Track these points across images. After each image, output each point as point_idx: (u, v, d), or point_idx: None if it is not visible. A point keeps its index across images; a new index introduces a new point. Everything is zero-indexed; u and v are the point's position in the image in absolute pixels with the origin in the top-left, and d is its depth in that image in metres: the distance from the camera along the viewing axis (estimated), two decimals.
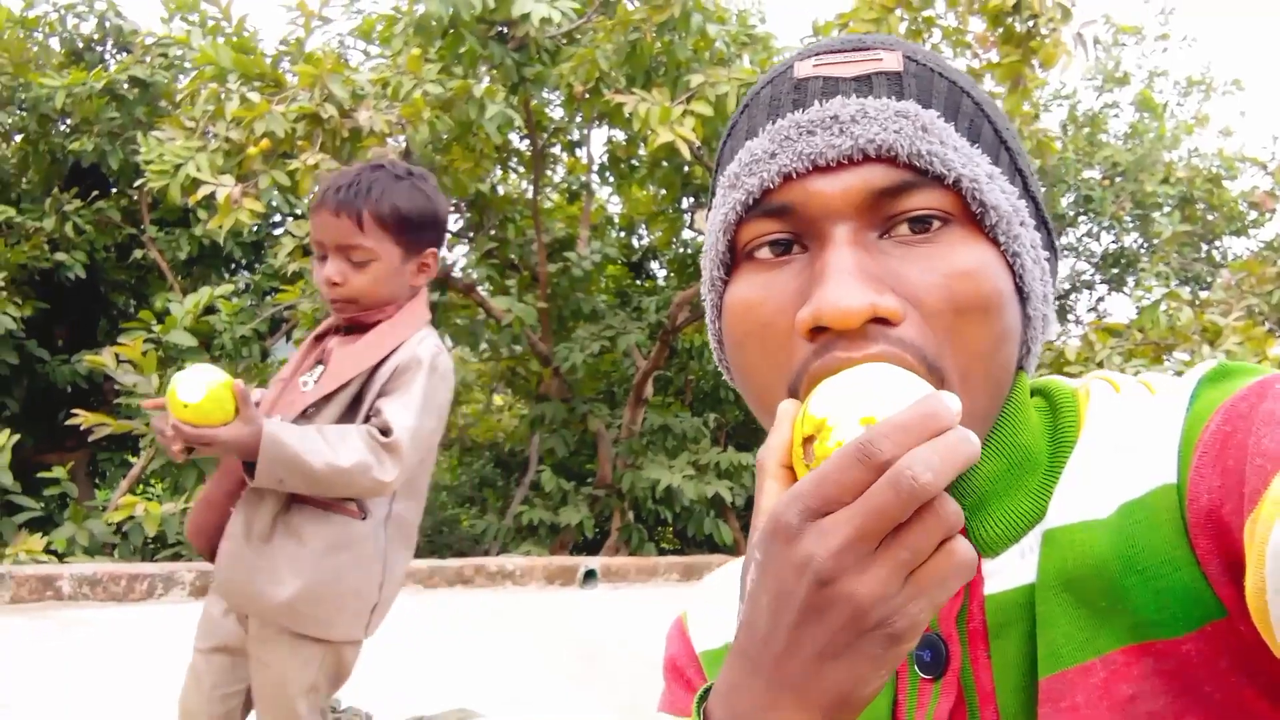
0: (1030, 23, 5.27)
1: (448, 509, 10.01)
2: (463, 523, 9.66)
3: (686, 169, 7.63)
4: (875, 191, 0.63)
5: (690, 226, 8.98)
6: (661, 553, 8.59)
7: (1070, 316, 12.47)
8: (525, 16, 5.74)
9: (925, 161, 0.63)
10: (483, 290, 8.43)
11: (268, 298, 7.82)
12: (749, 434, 9.26)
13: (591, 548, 8.28)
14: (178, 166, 5.33)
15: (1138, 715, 0.58)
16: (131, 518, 5.54)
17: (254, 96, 5.44)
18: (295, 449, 1.81)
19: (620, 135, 8.14)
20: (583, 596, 6.23)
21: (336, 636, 1.98)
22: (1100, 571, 0.60)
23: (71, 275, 7.70)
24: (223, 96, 5.51)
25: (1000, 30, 5.45)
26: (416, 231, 2.02)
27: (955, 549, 0.52)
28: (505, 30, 6.45)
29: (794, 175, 0.64)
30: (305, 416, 1.94)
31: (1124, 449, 0.64)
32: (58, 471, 6.35)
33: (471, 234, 8.95)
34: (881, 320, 0.61)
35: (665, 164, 7.63)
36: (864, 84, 0.66)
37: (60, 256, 7.64)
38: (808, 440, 0.57)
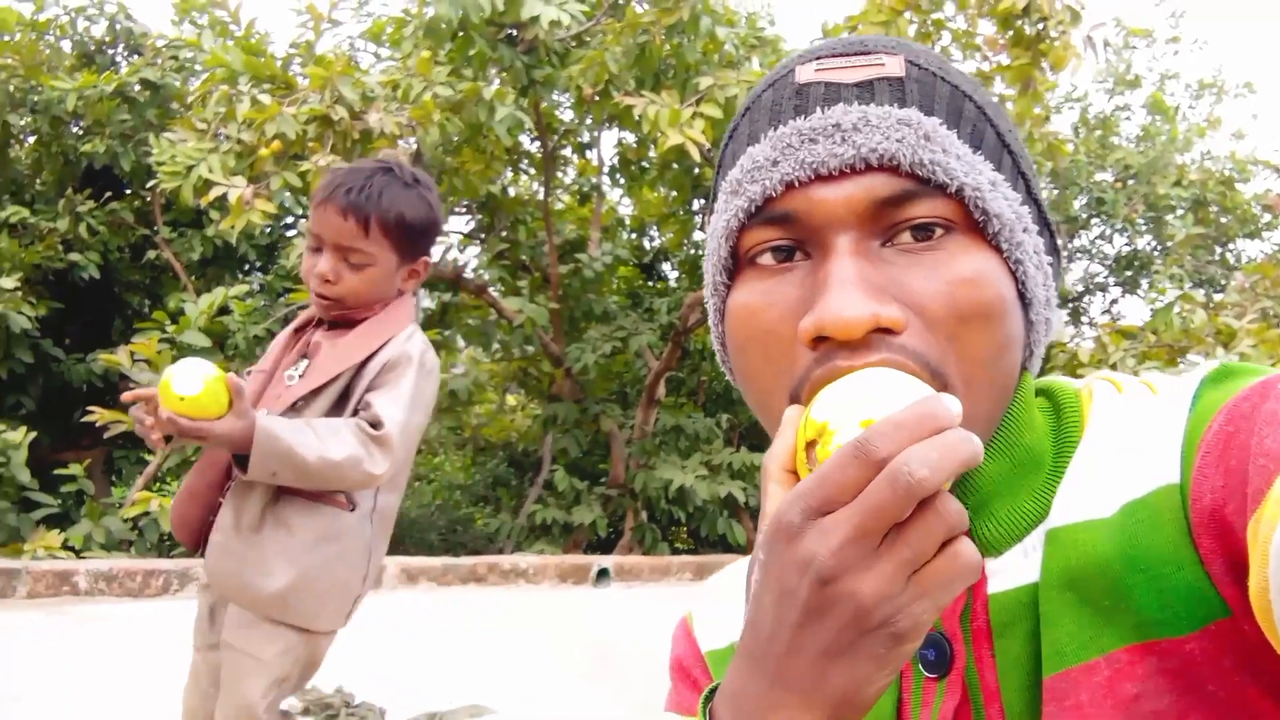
0: (1040, 25, 5.27)
1: (462, 508, 10.03)
2: (477, 521, 9.67)
3: (696, 171, 7.63)
4: (877, 201, 0.63)
5: (701, 228, 8.98)
6: (675, 552, 8.59)
7: (1084, 319, 12.42)
8: (534, 19, 5.76)
9: (927, 171, 0.63)
10: (494, 291, 8.44)
11: (281, 298, 7.85)
12: (761, 434, 9.24)
13: (605, 547, 8.28)
14: (190, 168, 5.36)
15: (1142, 714, 0.58)
16: (147, 514, 5.57)
17: (265, 98, 5.47)
18: (288, 442, 1.81)
19: (630, 137, 8.14)
20: (596, 595, 6.24)
21: (320, 627, 1.98)
22: (1104, 571, 0.61)
23: (85, 275, 7.74)
24: (234, 98, 5.53)
25: (1010, 33, 5.44)
26: (416, 240, 2.03)
27: (960, 550, 0.52)
28: (515, 33, 6.47)
29: (796, 184, 0.65)
30: (294, 410, 1.94)
31: (1127, 449, 0.64)
32: (74, 469, 6.39)
33: (483, 235, 8.96)
34: (884, 329, 0.61)
35: (675, 166, 7.63)
36: (866, 90, 0.66)
37: (74, 257, 7.68)
38: (810, 444, 0.58)
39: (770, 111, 0.68)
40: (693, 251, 9.48)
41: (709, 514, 7.93)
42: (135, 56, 8.13)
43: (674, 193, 8.68)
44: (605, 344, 7.93)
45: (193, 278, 8.06)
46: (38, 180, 8.44)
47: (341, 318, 2.01)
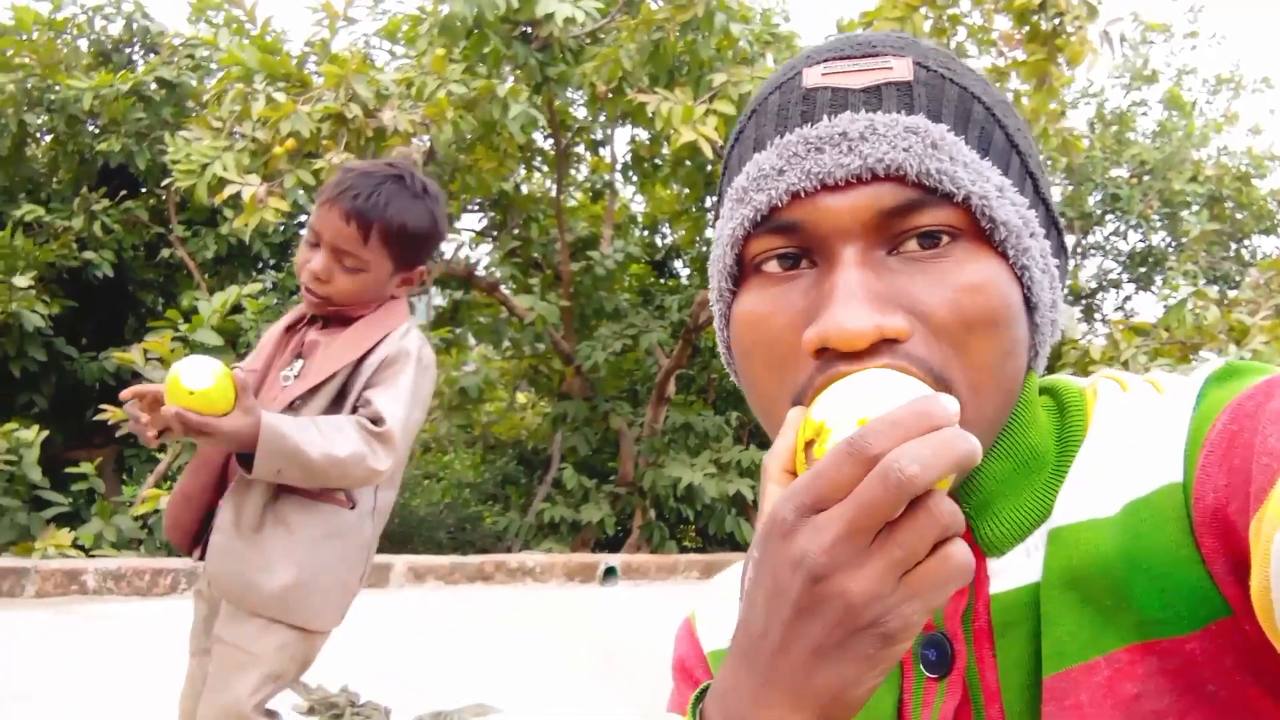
0: (1056, 20, 5.25)
1: (470, 506, 10.06)
2: (485, 520, 9.70)
3: (709, 168, 7.63)
4: (884, 211, 0.63)
5: (713, 225, 8.99)
6: (683, 551, 8.59)
7: (1097, 315, 12.39)
8: (549, 16, 5.76)
9: (934, 180, 0.62)
10: (506, 289, 8.47)
11: (294, 296, 7.88)
12: None
13: (613, 545, 8.30)
14: (204, 166, 5.39)
15: (1142, 714, 0.58)
16: (156, 512, 5.60)
17: (280, 97, 5.49)
18: (294, 439, 1.81)
19: (643, 134, 8.15)
20: (603, 593, 6.25)
21: (320, 626, 1.98)
22: (1105, 570, 0.61)
23: (100, 274, 7.78)
24: (249, 97, 5.56)
25: (1026, 28, 5.42)
26: (415, 251, 2.03)
27: (951, 552, 0.52)
28: (529, 30, 6.48)
29: (802, 194, 0.64)
30: (291, 409, 1.94)
31: (1130, 448, 0.64)
32: (85, 468, 6.42)
33: (495, 233, 8.98)
34: (889, 340, 0.61)
35: (688, 163, 7.64)
36: (873, 96, 0.65)
37: (88, 255, 7.73)
38: (809, 444, 0.58)
39: (777, 117, 0.68)
40: (705, 249, 9.49)
41: (717, 512, 7.94)
42: (152, 55, 8.17)
43: (686, 190, 8.69)
44: (616, 341, 7.94)
45: (206, 276, 8.10)
46: (53, 179, 8.50)
47: (335, 314, 2.01)
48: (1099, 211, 11.81)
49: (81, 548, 5.91)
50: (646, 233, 10.16)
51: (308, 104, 5.44)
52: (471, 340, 9.18)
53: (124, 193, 7.98)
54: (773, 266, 0.67)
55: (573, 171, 9.19)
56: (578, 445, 8.29)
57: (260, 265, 8.93)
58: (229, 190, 5.24)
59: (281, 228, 8.14)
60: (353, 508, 2.00)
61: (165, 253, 8.23)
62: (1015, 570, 0.65)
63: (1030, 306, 0.67)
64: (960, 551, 0.52)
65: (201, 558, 2.01)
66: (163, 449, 6.88)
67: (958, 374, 0.62)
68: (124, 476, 8.49)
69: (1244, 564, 0.56)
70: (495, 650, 4.60)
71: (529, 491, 9.53)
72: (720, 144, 5.52)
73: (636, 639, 4.82)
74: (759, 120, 0.70)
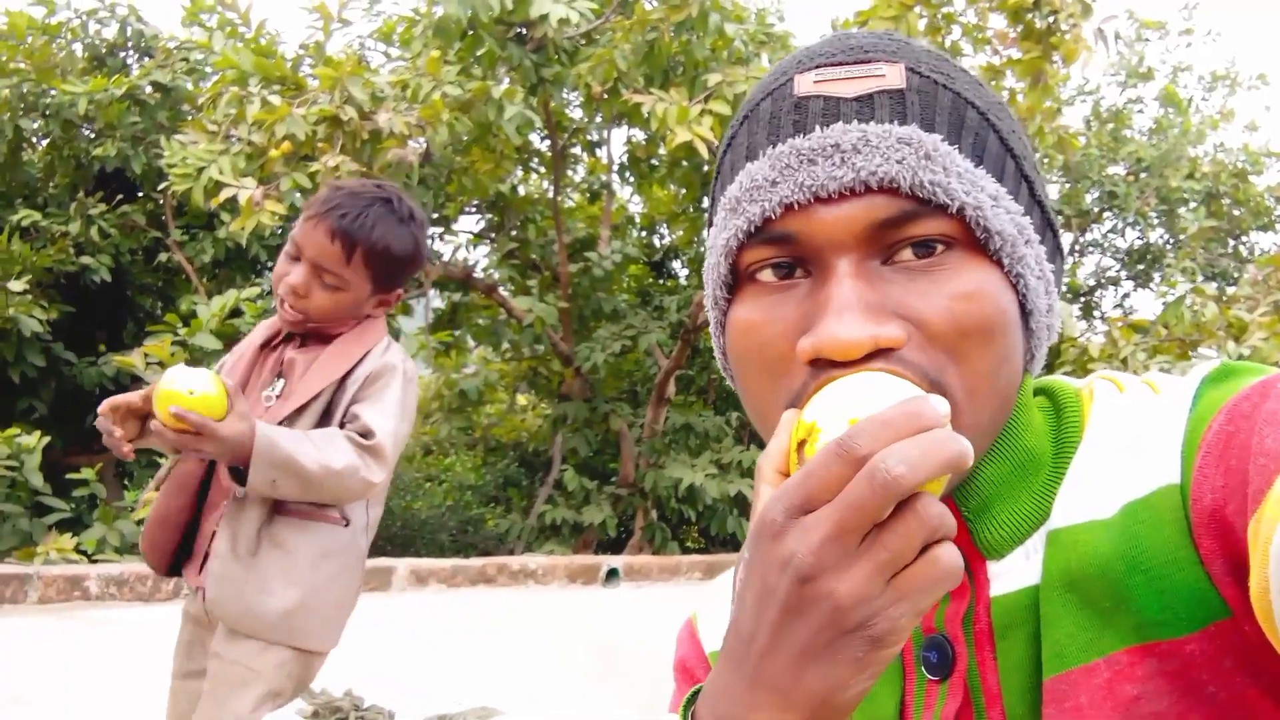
0: (1050, 19, 5.25)
1: (472, 508, 10.05)
2: (488, 522, 9.70)
3: (706, 168, 7.63)
4: (877, 222, 0.63)
5: (710, 226, 8.99)
6: (685, 551, 8.59)
7: (1095, 313, 12.39)
8: (543, 17, 5.76)
9: (928, 192, 0.62)
10: (504, 291, 8.46)
11: None
12: None
13: (615, 547, 8.30)
14: (200, 170, 5.39)
15: (1141, 715, 0.58)
16: None
17: (275, 100, 5.49)
18: (288, 449, 1.79)
19: (640, 135, 8.15)
20: (605, 595, 6.25)
21: (320, 647, 1.97)
22: (1104, 572, 0.61)
23: (97, 278, 7.78)
24: (244, 100, 5.55)
25: (1020, 26, 5.42)
26: (396, 275, 2.02)
27: (939, 555, 0.51)
28: (524, 31, 6.48)
29: (795, 206, 0.64)
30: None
31: (1127, 449, 0.64)
32: (86, 473, 6.41)
33: (493, 235, 8.99)
34: (883, 349, 0.61)
35: (685, 163, 7.63)
36: (865, 105, 0.65)
37: (86, 260, 7.72)
38: (801, 444, 0.58)
39: (769, 125, 0.68)
40: (702, 249, 9.48)
41: (719, 512, 7.94)
42: (146, 59, 8.17)
43: (684, 190, 8.69)
44: (615, 343, 7.94)
45: (204, 280, 8.10)
46: (50, 184, 8.49)
47: (315, 331, 2.00)
48: (1096, 209, 11.82)
49: (84, 553, 5.91)
50: (644, 233, 10.17)
51: (303, 107, 5.43)
52: (470, 342, 9.18)
53: (120, 197, 7.97)
54: (767, 275, 0.67)
55: (570, 173, 9.19)
56: (578, 447, 8.29)
57: (258, 268, 8.92)
58: (225, 194, 5.24)
59: (279, 230, 8.13)
60: (346, 525, 1.99)
61: (163, 257, 8.23)
62: (1015, 573, 0.66)
63: (1025, 312, 0.67)
64: (948, 554, 0.51)
65: (175, 575, 2.00)
66: (164, 455, 6.86)
67: (953, 380, 0.62)
68: (125, 482, 8.48)
69: (1242, 565, 0.56)
70: (498, 653, 4.60)
71: (530, 493, 9.54)
72: (716, 144, 5.52)
73: (639, 641, 4.82)
74: (751, 127, 0.70)
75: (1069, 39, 5.29)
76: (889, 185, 0.62)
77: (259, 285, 7.60)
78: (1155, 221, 11.90)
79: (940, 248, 0.64)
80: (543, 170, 8.93)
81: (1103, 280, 12.55)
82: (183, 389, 1.73)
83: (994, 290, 0.64)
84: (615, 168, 8.80)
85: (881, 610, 0.51)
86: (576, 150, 9.04)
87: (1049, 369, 6.19)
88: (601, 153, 9.03)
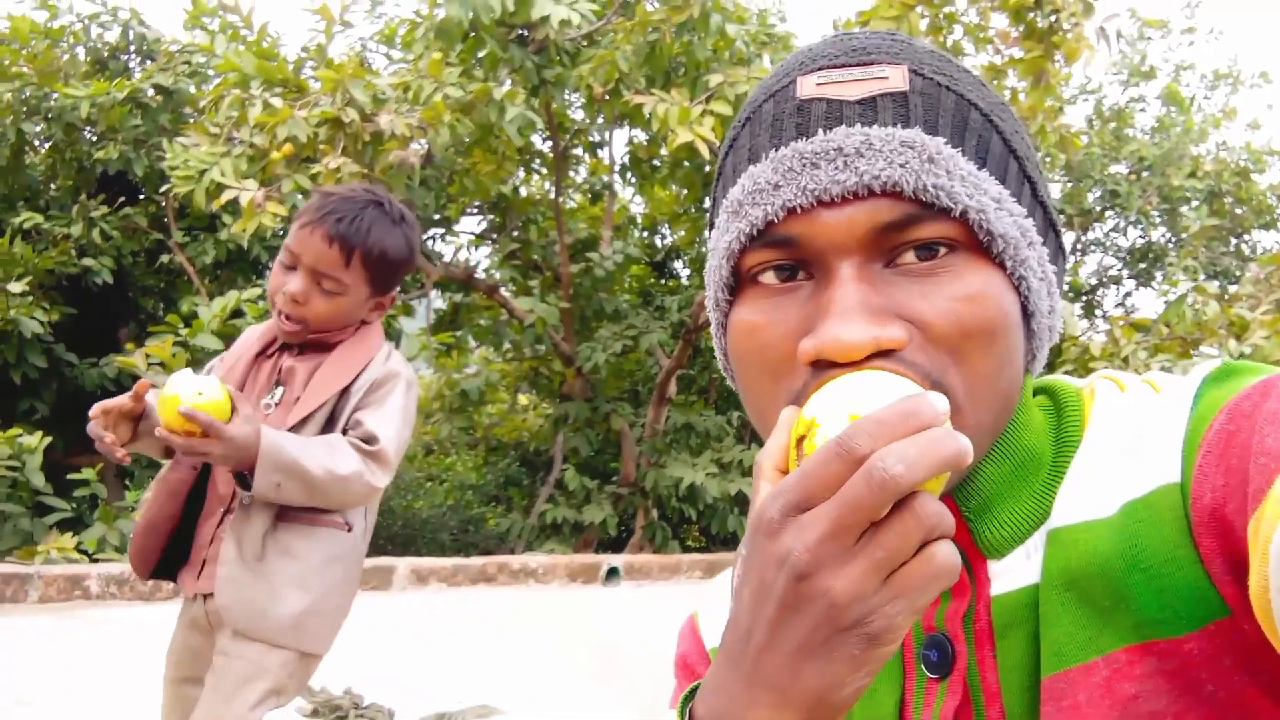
0: (1052, 17, 5.24)
1: (474, 508, 10.06)
2: (489, 521, 9.71)
3: (707, 169, 7.63)
4: (880, 226, 0.63)
5: (712, 226, 8.99)
6: (686, 550, 8.60)
7: (1098, 312, 12.39)
8: (544, 19, 5.76)
9: (931, 196, 0.62)
10: (506, 291, 8.47)
11: None
12: None
13: (616, 546, 8.30)
14: (202, 172, 5.39)
15: (1140, 714, 0.58)
16: None
17: (277, 102, 5.49)
18: (294, 453, 1.80)
19: (641, 136, 8.15)
20: (606, 594, 6.25)
21: (321, 650, 1.99)
22: (1104, 570, 0.61)
23: (99, 280, 7.78)
24: (246, 102, 5.55)
25: (1022, 26, 5.42)
26: (392, 277, 2.03)
27: (935, 553, 0.51)
28: (525, 33, 6.47)
29: (798, 209, 0.64)
30: None
31: (1128, 448, 0.64)
32: (87, 473, 6.42)
33: (494, 235, 8.99)
34: (884, 350, 0.61)
35: (686, 164, 7.63)
36: (868, 108, 0.65)
37: (88, 262, 7.73)
38: (800, 440, 0.58)
39: (771, 128, 0.68)
40: (704, 249, 9.50)
41: (720, 511, 7.94)
42: (148, 62, 8.18)
43: (685, 191, 8.68)
44: (616, 342, 7.95)
45: (206, 281, 8.10)
46: (51, 186, 8.50)
47: (316, 340, 2.00)
48: (1098, 208, 11.81)
49: (85, 552, 5.91)
50: (646, 234, 10.17)
51: (305, 109, 5.44)
52: (472, 342, 9.18)
53: (122, 199, 7.98)
54: (769, 278, 0.67)
55: (571, 173, 9.19)
56: (579, 446, 8.29)
57: (259, 270, 8.93)
58: (227, 196, 5.24)
59: (280, 232, 8.14)
60: (349, 530, 2.00)
61: (165, 258, 8.23)
62: (1016, 572, 0.66)
63: (1027, 314, 0.68)
64: (944, 552, 0.51)
65: (159, 578, 2.00)
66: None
67: (955, 382, 0.62)
68: (126, 482, 8.48)
69: (1242, 564, 0.56)
70: (498, 652, 4.60)
71: (531, 493, 9.54)
72: (717, 145, 5.52)
73: (639, 640, 4.82)
74: (753, 129, 0.70)
75: (1071, 38, 5.29)
76: (892, 189, 0.62)
77: (260, 286, 7.61)
78: (1157, 220, 11.90)
79: (943, 250, 0.64)
80: (544, 171, 8.93)
81: (1104, 279, 12.54)
82: (190, 393, 1.73)
83: (996, 292, 0.64)
84: (617, 168, 8.80)
85: (878, 608, 0.51)
86: (578, 151, 9.04)
87: (1051, 368, 6.18)
88: (603, 153, 9.04)
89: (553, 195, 8.35)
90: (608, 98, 6.47)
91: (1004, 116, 0.69)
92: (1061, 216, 10.92)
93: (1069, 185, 11.43)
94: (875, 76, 0.66)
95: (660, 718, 0.67)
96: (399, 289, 2.13)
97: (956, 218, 0.63)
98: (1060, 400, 0.72)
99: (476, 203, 8.68)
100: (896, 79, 0.66)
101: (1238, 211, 11.43)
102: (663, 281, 10.18)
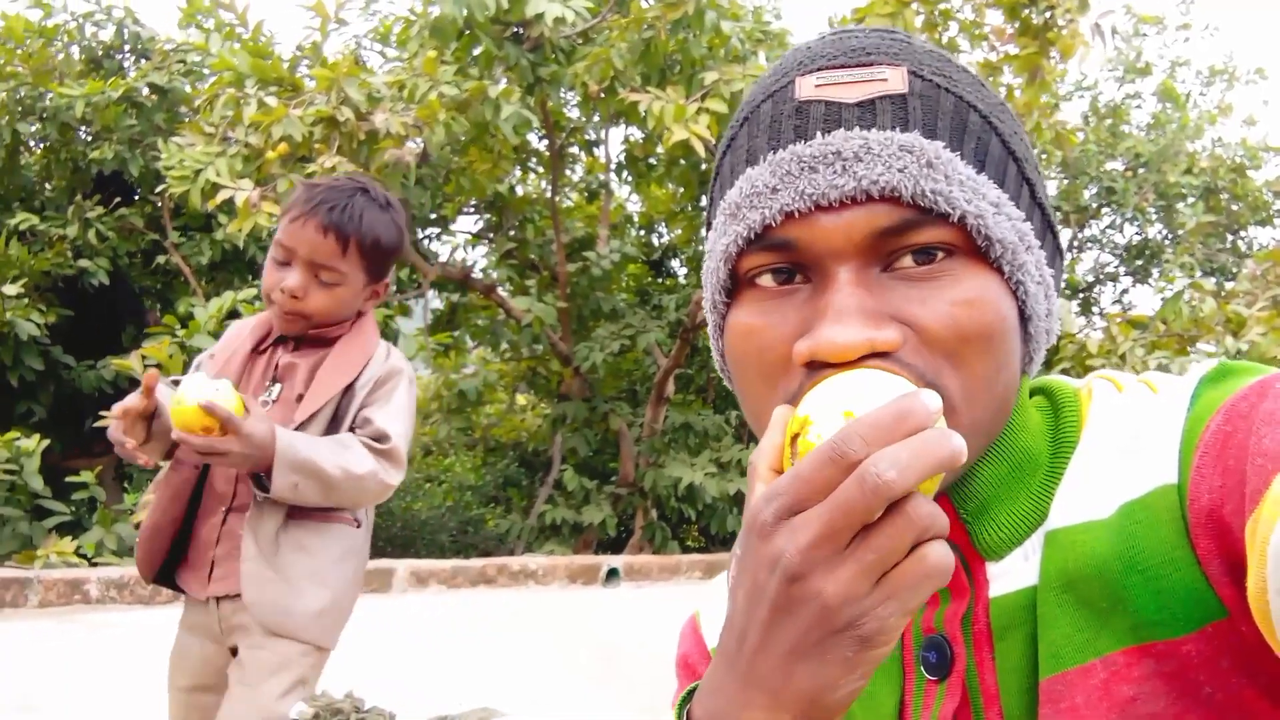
0: (1047, 14, 5.25)
1: (472, 509, 10.06)
2: (488, 522, 9.71)
3: (704, 167, 7.63)
4: (878, 231, 0.63)
5: (708, 226, 8.98)
6: (686, 550, 8.60)
7: (1094, 309, 12.39)
8: (539, 17, 5.76)
9: (929, 201, 0.62)
10: (503, 291, 8.46)
11: None
12: None
13: (615, 546, 8.30)
14: (198, 172, 5.38)
15: (1138, 716, 0.58)
16: None
17: (271, 101, 5.48)
18: (308, 453, 1.80)
19: (637, 134, 8.14)
20: (606, 595, 6.25)
21: (333, 644, 1.99)
22: (1101, 572, 0.61)
23: (95, 282, 7.77)
24: (241, 101, 5.55)
25: (1017, 23, 5.42)
26: (385, 263, 2.03)
27: (928, 554, 0.51)
28: (520, 31, 6.47)
29: (796, 214, 0.64)
30: None
31: (1125, 449, 0.64)
32: (86, 476, 6.42)
33: (491, 235, 8.98)
34: (879, 352, 0.62)
35: (683, 162, 7.63)
36: (867, 111, 0.65)
37: (84, 263, 7.71)
38: (794, 438, 0.58)
39: (769, 130, 0.67)
40: (701, 248, 9.48)
41: (719, 511, 7.94)
42: (143, 61, 8.16)
43: (681, 189, 8.68)
44: (614, 342, 7.94)
45: (202, 282, 8.09)
46: (47, 187, 8.49)
47: (317, 336, 2.00)
48: (1094, 205, 11.82)
49: (84, 556, 5.91)
50: (643, 232, 10.16)
51: (299, 108, 5.43)
52: (469, 343, 9.18)
53: (118, 200, 7.97)
54: (767, 280, 0.67)
55: (568, 172, 9.18)
56: (578, 446, 8.29)
57: (255, 270, 8.92)
58: (222, 195, 5.24)
59: (275, 232, 8.12)
60: (359, 527, 2.01)
61: (161, 259, 8.22)
62: (1014, 574, 0.66)
63: (1024, 318, 0.68)
64: (936, 552, 0.51)
65: (160, 582, 1.99)
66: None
67: (950, 384, 0.62)
68: (124, 484, 8.48)
69: (1240, 565, 0.56)
70: (499, 654, 4.60)
71: (530, 494, 9.54)
72: (713, 142, 5.51)
73: (639, 641, 4.83)
74: (751, 130, 0.69)
75: (1066, 34, 5.29)
76: (890, 194, 0.62)
77: (256, 286, 7.61)
78: (1153, 217, 11.90)
79: (941, 255, 0.64)
80: (541, 170, 8.92)
81: (1101, 276, 12.55)
82: (208, 393, 1.74)
83: (994, 297, 0.64)
84: (613, 167, 8.79)
85: (870, 610, 0.51)
86: (574, 150, 9.03)
87: (1048, 365, 6.19)
88: (599, 152, 9.02)
89: (549, 194, 8.34)
90: (603, 96, 6.47)
91: (1003, 118, 0.69)
92: (1058, 214, 10.93)
93: (1065, 182, 11.44)
94: (874, 78, 0.66)
95: (661, 719, 0.67)
96: (391, 277, 2.13)
97: (955, 223, 0.63)
98: (1058, 401, 0.72)
99: (473, 202, 8.67)
100: (895, 81, 0.65)
101: (1234, 208, 11.44)
102: (660, 280, 10.18)
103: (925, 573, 0.51)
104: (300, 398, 1.95)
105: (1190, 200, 11.08)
